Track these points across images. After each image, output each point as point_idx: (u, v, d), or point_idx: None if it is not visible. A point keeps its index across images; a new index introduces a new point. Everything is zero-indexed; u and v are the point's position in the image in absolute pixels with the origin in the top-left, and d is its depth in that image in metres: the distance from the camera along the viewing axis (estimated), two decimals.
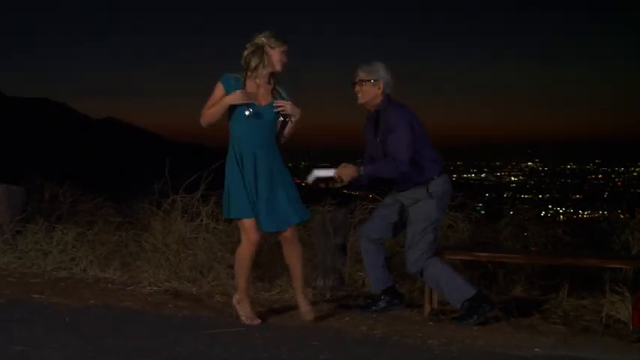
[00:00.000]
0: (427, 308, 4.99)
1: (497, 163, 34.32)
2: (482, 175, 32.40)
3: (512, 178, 31.75)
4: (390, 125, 4.81)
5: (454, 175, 32.91)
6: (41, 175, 7.83)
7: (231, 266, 5.78)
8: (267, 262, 5.98)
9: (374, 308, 5.03)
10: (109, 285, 5.80)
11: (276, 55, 4.57)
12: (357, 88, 4.95)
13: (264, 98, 4.60)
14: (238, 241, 6.00)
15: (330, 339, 4.40)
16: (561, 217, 13.38)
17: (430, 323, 4.79)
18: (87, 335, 4.30)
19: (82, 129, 49.42)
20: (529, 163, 33.39)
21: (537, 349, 4.23)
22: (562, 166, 32.93)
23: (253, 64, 4.56)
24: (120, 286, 5.75)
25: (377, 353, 4.14)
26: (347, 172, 4.78)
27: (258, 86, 4.59)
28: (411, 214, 4.90)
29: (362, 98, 4.95)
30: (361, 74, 4.92)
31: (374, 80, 4.89)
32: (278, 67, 4.59)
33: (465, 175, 33.14)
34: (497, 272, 5.71)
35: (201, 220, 6.20)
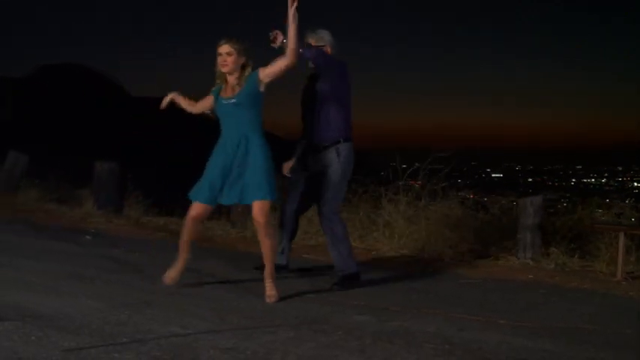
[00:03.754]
0: (619, 272, 6.30)
1: (620, 168, 34.09)
2: (603, 181, 32.36)
3: (635, 184, 31.49)
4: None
5: (573, 180, 33.10)
6: None
7: (448, 239, 7.30)
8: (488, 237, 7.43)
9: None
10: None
11: (218, 58, 5.03)
12: None
13: (229, 93, 5.03)
14: (451, 220, 7.52)
15: (547, 288, 5.87)
16: None
17: (623, 283, 6.15)
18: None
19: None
20: None
21: None
22: None
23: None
24: (361, 251, 7.29)
25: (588, 297, 5.56)
26: None
27: (229, 84, 5.04)
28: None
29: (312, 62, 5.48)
30: (311, 41, 5.54)
31: (322, 45, 5.55)
32: (219, 67, 5.02)
33: (584, 180, 33.22)
34: None
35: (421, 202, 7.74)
